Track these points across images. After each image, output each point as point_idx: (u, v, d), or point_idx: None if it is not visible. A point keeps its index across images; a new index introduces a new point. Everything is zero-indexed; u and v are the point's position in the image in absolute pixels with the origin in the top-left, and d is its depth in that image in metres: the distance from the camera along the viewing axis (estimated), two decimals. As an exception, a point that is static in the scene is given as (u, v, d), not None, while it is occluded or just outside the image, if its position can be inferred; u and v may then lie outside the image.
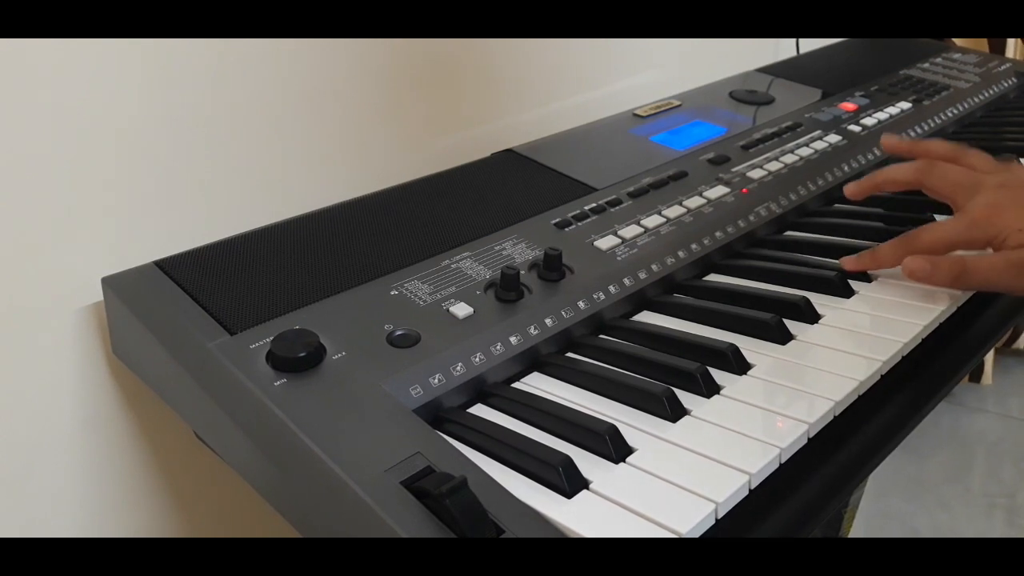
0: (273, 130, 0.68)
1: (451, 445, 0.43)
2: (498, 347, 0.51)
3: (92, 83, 0.57)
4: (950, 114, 0.91)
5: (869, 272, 0.61)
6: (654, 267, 0.60)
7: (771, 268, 0.62)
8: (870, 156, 0.79)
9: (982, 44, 1.59)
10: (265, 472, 0.46)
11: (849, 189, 0.68)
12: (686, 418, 0.46)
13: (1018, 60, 1.09)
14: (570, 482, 0.41)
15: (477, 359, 0.50)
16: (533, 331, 0.53)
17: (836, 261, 0.62)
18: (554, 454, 0.42)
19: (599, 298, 0.56)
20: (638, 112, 0.84)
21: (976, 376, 1.80)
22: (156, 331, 0.51)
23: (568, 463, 0.41)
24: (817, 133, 0.81)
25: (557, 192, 0.67)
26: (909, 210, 0.69)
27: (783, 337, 0.53)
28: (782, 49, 1.19)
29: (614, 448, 0.43)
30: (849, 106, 0.88)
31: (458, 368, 0.49)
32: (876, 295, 0.58)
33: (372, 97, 0.74)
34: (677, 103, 0.86)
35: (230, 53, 0.63)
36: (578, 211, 0.64)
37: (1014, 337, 1.86)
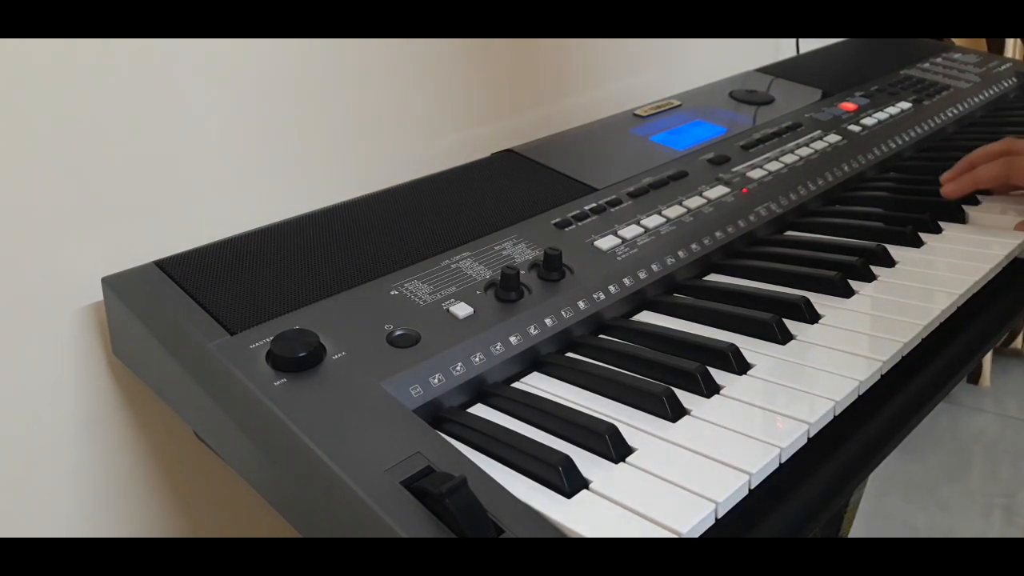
0: (272, 130, 0.68)
1: (451, 445, 0.43)
2: (498, 347, 0.51)
3: (91, 83, 0.57)
4: (950, 114, 0.91)
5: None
6: (654, 267, 0.60)
7: (771, 268, 0.62)
8: (870, 156, 0.79)
9: (982, 44, 1.59)
10: (265, 472, 0.46)
11: (946, 190, 0.72)
12: (686, 418, 0.46)
13: (1018, 60, 1.09)
14: (570, 482, 0.41)
15: (477, 359, 0.50)
16: (533, 331, 0.53)
17: (837, 259, 0.62)
18: (554, 454, 0.42)
19: (599, 298, 0.56)
20: (638, 112, 0.83)
21: (974, 378, 1.80)
22: (156, 331, 0.51)
23: (568, 463, 0.41)
24: (817, 133, 0.81)
25: (557, 192, 0.67)
26: (909, 210, 0.69)
27: (783, 337, 0.53)
28: (782, 49, 1.19)
29: (614, 448, 0.43)
30: (849, 106, 0.88)
31: (458, 368, 0.49)
32: (876, 295, 0.58)
33: (372, 97, 0.74)
34: (677, 103, 0.86)
35: (230, 53, 0.63)
36: (578, 211, 0.64)
37: (1012, 337, 1.86)
